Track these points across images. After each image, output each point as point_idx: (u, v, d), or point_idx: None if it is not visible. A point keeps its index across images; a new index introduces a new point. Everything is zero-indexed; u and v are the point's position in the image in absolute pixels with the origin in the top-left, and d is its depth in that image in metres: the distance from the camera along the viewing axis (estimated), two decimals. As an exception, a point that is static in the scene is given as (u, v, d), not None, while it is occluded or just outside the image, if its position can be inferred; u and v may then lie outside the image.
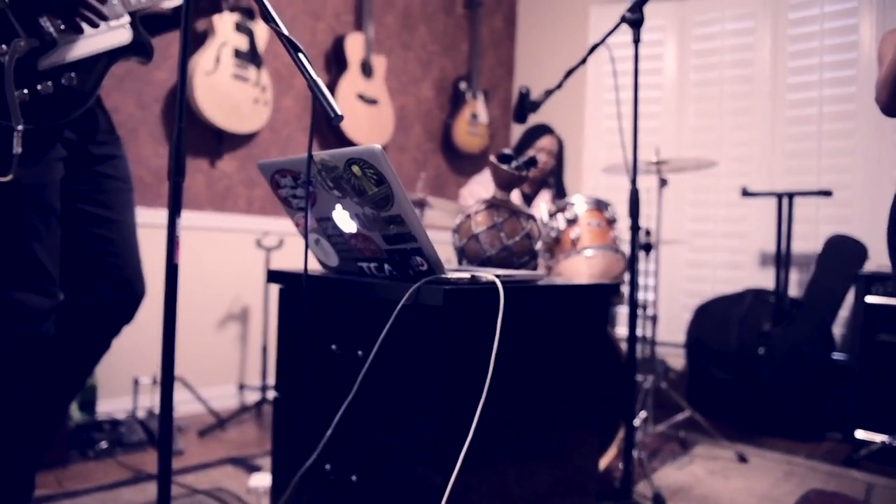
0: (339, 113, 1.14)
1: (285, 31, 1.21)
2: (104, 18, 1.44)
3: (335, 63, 3.38)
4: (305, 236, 1.32)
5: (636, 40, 1.91)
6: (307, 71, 1.18)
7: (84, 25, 1.42)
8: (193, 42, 2.87)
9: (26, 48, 1.36)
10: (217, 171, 3.04)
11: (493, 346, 1.19)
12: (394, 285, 1.22)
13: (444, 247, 2.45)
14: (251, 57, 2.93)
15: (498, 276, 1.26)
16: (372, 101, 3.39)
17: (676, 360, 3.62)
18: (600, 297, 1.66)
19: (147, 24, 1.59)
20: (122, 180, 1.66)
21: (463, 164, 4.14)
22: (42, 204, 1.46)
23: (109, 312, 1.64)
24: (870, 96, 3.23)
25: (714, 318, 3.34)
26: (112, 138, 1.65)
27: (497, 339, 1.19)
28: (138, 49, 1.56)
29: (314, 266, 1.45)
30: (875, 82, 1.92)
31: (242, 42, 2.91)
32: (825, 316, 3.05)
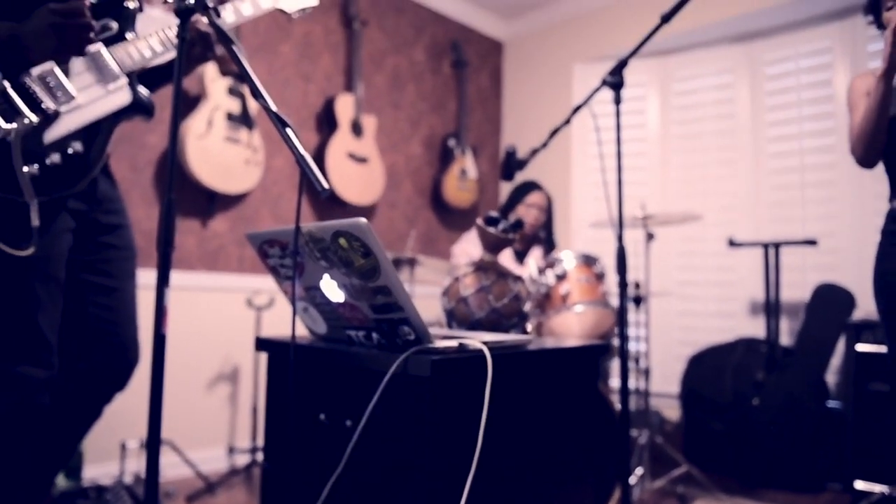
0: (327, 186, 1.16)
1: (273, 108, 1.23)
2: (93, 30, 1.43)
3: (326, 123, 3.45)
4: (293, 310, 1.33)
5: (617, 102, 1.94)
6: (295, 146, 1.20)
7: (82, 95, 1.45)
8: (186, 106, 2.93)
9: (30, 125, 1.39)
10: (209, 232, 3.06)
11: (483, 413, 1.19)
12: (381, 355, 1.22)
13: (435, 301, 2.45)
14: (243, 119, 2.99)
15: (486, 343, 1.27)
16: (362, 160, 3.45)
17: (672, 411, 3.59)
18: (590, 357, 1.66)
19: (143, 80, 1.62)
20: (126, 249, 1.68)
21: (453, 219, 4.18)
22: (48, 276, 1.47)
23: (104, 380, 1.64)
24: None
25: (707, 368, 3.33)
26: (119, 207, 1.67)
27: (486, 406, 1.19)
28: (139, 108, 1.58)
29: (302, 332, 1.45)
30: (848, 131, 1.99)
31: (235, 105, 2.97)
32: (817, 365, 3.05)
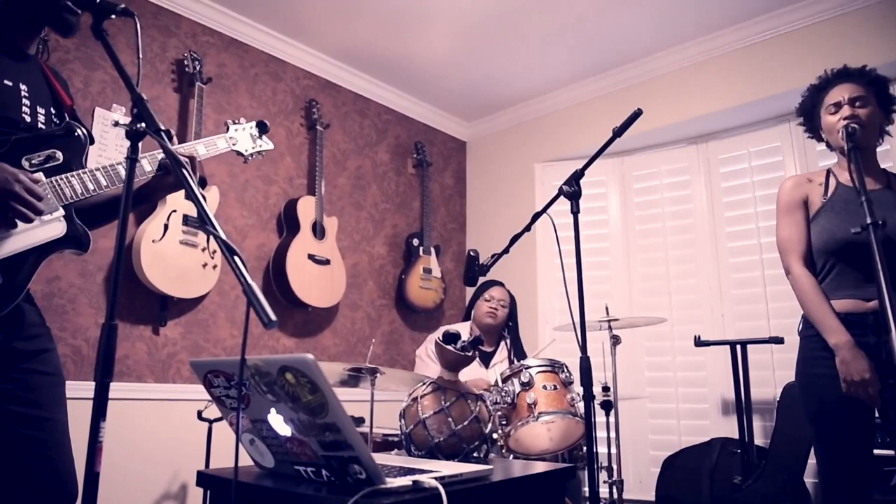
0: (273, 318, 1.10)
1: (222, 236, 1.18)
2: (39, 213, 1.40)
3: (287, 225, 3.41)
4: (237, 445, 1.23)
5: (574, 212, 1.91)
6: (242, 275, 1.14)
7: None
8: (143, 210, 2.87)
9: None
10: (160, 339, 2.93)
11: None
12: (329, 499, 1.12)
13: (398, 410, 2.32)
14: (201, 222, 2.93)
15: (444, 478, 1.18)
16: (324, 262, 3.39)
17: (648, 518, 3.44)
18: (556, 480, 1.57)
19: (84, 216, 1.57)
20: (52, 374, 1.56)
21: (417, 318, 4.10)
22: None
23: None
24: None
25: (683, 472, 3.22)
26: (42, 331, 1.57)
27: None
28: (73, 242, 1.52)
29: (247, 462, 1.35)
30: (777, 240, 2.06)
31: (192, 208, 2.92)
32: (794, 466, 2.97)
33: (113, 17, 1.37)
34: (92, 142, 1.58)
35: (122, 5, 1.37)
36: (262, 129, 1.96)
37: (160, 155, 1.61)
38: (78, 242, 1.53)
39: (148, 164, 1.61)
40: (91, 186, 1.50)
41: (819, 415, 1.89)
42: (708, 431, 3.39)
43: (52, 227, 1.47)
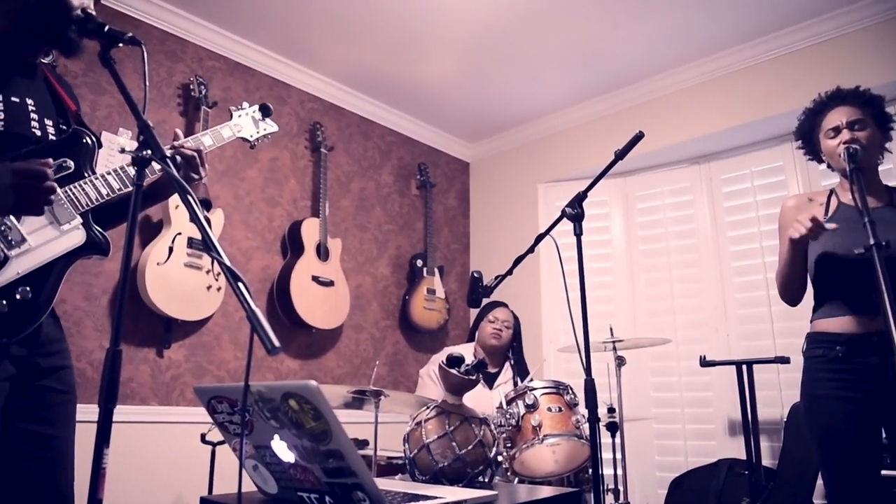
0: (277, 344, 1.10)
1: (227, 262, 1.19)
2: (52, 191, 1.39)
3: (291, 246, 3.42)
4: (240, 471, 1.23)
5: (577, 234, 1.91)
6: (246, 301, 1.14)
7: (34, 237, 1.39)
8: (148, 231, 2.89)
9: None
10: (164, 361, 2.93)
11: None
12: (333, 527, 1.11)
13: (402, 432, 2.30)
14: (205, 245, 2.94)
15: (448, 505, 1.18)
16: (328, 283, 3.40)
17: (656, 541, 3.40)
18: (563, 505, 1.56)
19: (100, 216, 1.58)
20: (67, 392, 1.57)
21: (422, 339, 4.10)
22: None
23: None
24: (809, 262, 3.36)
25: (690, 493, 3.19)
26: (61, 347, 1.57)
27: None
28: (93, 247, 1.54)
29: (250, 488, 1.34)
30: (778, 259, 2.07)
31: (197, 231, 2.93)
32: (803, 488, 2.93)
33: (121, 45, 1.39)
34: (100, 145, 1.60)
35: (130, 34, 1.38)
36: (265, 112, 1.96)
37: (168, 150, 1.61)
38: (98, 248, 1.54)
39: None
40: (104, 191, 1.52)
41: (824, 437, 1.88)
42: (715, 452, 3.36)
43: (72, 236, 1.49)
